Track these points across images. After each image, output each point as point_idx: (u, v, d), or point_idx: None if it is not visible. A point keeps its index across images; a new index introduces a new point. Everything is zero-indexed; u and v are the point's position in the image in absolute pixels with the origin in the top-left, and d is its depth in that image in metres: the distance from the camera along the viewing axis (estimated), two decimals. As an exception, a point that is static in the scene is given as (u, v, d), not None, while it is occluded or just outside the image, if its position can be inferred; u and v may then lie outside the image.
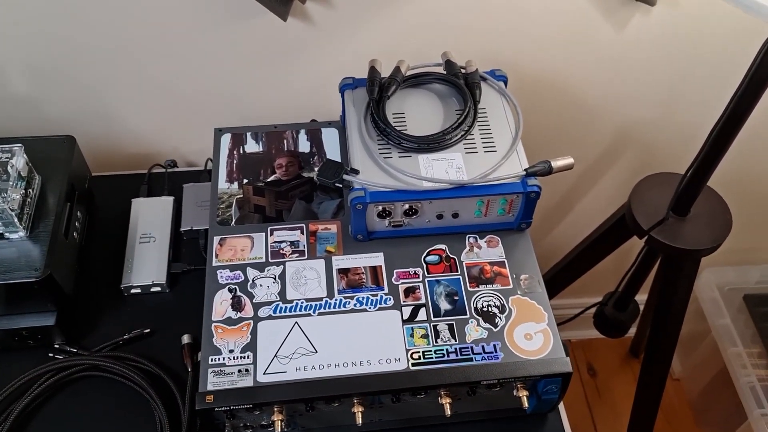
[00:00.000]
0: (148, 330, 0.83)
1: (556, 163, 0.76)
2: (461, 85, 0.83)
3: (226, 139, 0.90)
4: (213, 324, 0.72)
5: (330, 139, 0.90)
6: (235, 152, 0.88)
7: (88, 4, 0.85)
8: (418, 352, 0.70)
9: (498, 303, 0.75)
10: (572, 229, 1.29)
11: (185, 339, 0.81)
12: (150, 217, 0.92)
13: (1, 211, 0.72)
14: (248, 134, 0.90)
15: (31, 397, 0.76)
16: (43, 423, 0.76)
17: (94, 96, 0.96)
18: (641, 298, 1.17)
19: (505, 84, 0.87)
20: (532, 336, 0.72)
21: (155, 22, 0.88)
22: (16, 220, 0.73)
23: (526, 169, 0.76)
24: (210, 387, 0.67)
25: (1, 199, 0.72)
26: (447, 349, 0.71)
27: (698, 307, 1.41)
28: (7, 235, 0.75)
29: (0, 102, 0.94)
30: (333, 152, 0.88)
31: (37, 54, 0.90)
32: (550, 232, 1.33)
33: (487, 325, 0.73)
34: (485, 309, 0.74)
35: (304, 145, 0.89)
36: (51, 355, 0.80)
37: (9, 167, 0.74)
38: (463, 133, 0.79)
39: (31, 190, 0.77)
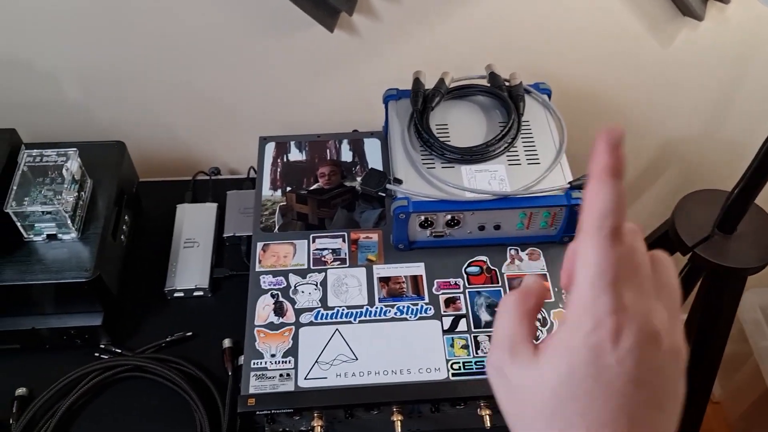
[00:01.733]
0: (190, 333, 0.84)
1: (601, 177, 0.76)
2: (505, 97, 0.83)
3: (270, 148, 0.91)
4: (255, 328, 0.73)
5: (372, 149, 0.91)
6: (279, 160, 0.90)
7: (141, 15, 0.87)
8: (458, 362, 0.70)
9: (540, 316, 0.74)
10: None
11: (226, 343, 0.82)
12: (194, 223, 0.94)
13: (56, 212, 0.74)
14: (292, 143, 0.92)
15: (77, 395, 0.77)
16: (87, 421, 0.77)
17: (144, 103, 0.99)
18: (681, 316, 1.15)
19: (549, 97, 0.87)
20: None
21: (205, 32, 0.90)
22: (69, 221, 0.75)
23: (570, 182, 0.76)
24: (252, 390, 0.68)
25: (57, 201, 0.75)
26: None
27: (740, 328, 1.38)
28: (60, 236, 0.77)
29: (55, 107, 0.97)
30: (375, 162, 0.89)
31: (91, 62, 0.93)
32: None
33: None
34: (526, 321, 0.73)
35: (346, 155, 0.90)
36: (96, 354, 0.81)
37: (64, 171, 0.77)
38: (506, 144, 0.79)
39: (83, 193, 0.80)
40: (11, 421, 0.75)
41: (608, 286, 0.31)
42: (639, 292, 0.32)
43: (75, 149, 0.79)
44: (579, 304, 0.32)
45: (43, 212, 0.74)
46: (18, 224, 0.75)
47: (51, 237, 0.77)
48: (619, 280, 0.31)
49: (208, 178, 1.01)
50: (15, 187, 0.75)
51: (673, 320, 0.32)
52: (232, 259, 0.92)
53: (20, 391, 0.78)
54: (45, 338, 0.80)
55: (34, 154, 0.78)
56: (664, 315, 0.32)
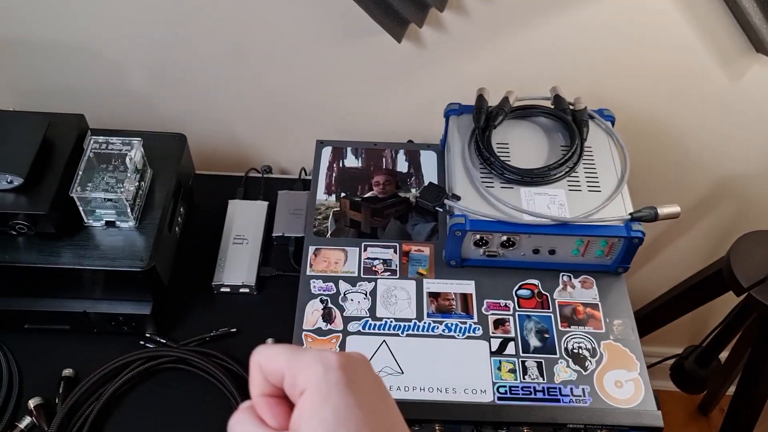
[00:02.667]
0: (234, 329, 0.85)
1: (663, 211, 0.75)
2: (569, 121, 0.83)
3: (326, 152, 0.91)
4: (303, 332, 0.73)
5: (428, 162, 0.91)
6: (334, 165, 0.90)
7: (210, 11, 0.88)
8: (505, 386, 0.70)
9: (589, 346, 0.73)
10: (656, 274, 1.25)
11: (269, 343, 0.83)
12: (244, 220, 0.94)
13: (117, 200, 0.75)
14: (348, 149, 0.92)
15: (122, 382, 0.78)
16: (129, 407, 0.78)
17: (205, 98, 1.00)
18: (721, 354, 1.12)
19: (613, 124, 0.86)
20: (623, 384, 0.70)
21: (272, 32, 0.91)
22: (129, 210, 0.77)
23: (631, 213, 0.75)
24: (297, 395, 0.68)
25: (119, 189, 0.76)
26: (535, 387, 0.70)
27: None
28: (118, 223, 0.78)
29: (120, 97, 0.99)
30: (430, 175, 0.89)
31: (157, 54, 0.94)
32: (633, 274, 1.30)
33: (577, 368, 0.71)
34: (576, 351, 0.73)
35: (402, 165, 0.90)
36: (142, 343, 0.82)
37: (127, 160, 0.78)
38: (568, 169, 0.79)
39: (143, 183, 0.81)
40: (57, 401, 0.77)
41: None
42: None
43: (139, 139, 0.80)
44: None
45: (105, 199, 0.76)
46: (80, 209, 0.76)
47: (110, 224, 0.78)
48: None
49: (260, 175, 1.02)
50: (80, 173, 0.76)
51: None
52: (279, 258, 0.92)
53: (67, 372, 0.79)
54: (94, 322, 0.81)
55: (100, 140, 0.79)
56: None
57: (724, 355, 1.20)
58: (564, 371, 0.71)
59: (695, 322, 1.17)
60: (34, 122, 0.78)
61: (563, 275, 0.79)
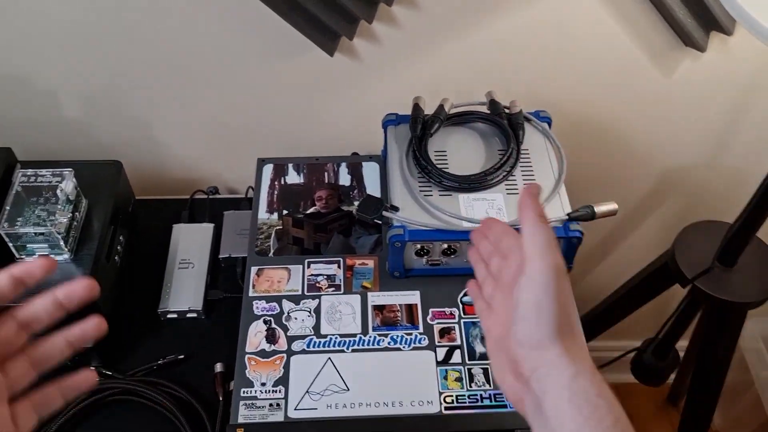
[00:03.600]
0: (182, 356, 0.83)
1: (599, 209, 0.75)
2: (504, 125, 0.83)
3: (268, 170, 0.91)
4: (246, 355, 0.72)
5: (371, 173, 0.90)
6: (276, 183, 0.89)
7: (140, 35, 0.87)
8: (452, 395, 0.69)
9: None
10: (611, 272, 1.26)
11: (218, 368, 0.81)
12: (190, 243, 0.93)
13: (49, 234, 0.74)
14: (290, 165, 0.91)
15: (66, 418, 0.76)
16: (75, 444, 0.76)
17: (142, 123, 0.99)
18: (682, 344, 1.13)
19: (549, 125, 0.86)
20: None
21: (204, 54, 0.90)
22: (62, 243, 0.75)
23: (568, 214, 0.75)
24: (241, 420, 0.67)
25: (50, 222, 0.74)
26: (481, 395, 0.69)
27: (741, 357, 1.36)
28: (52, 257, 0.76)
29: (53, 125, 0.97)
30: (373, 186, 0.89)
31: (90, 81, 0.93)
32: (588, 274, 1.31)
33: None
34: (521, 354, 0.72)
35: (344, 179, 0.90)
36: (86, 376, 0.80)
37: (59, 191, 0.76)
38: (505, 173, 0.79)
39: (77, 213, 0.79)
40: (-3, 443, 0.74)
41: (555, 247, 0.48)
42: None
43: (70, 169, 0.78)
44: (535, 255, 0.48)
45: (35, 233, 0.74)
46: (10, 245, 0.75)
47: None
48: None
49: (206, 197, 1.01)
50: (8, 208, 0.75)
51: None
52: (227, 280, 0.91)
53: (8, 412, 0.77)
54: (35, 359, 0.79)
55: (29, 173, 0.78)
56: None
57: (685, 344, 1.21)
58: (510, 376, 0.71)
59: (654, 314, 1.17)
60: (-42, 158, 0.76)
61: (507, 279, 0.79)
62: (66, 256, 0.76)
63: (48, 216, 0.75)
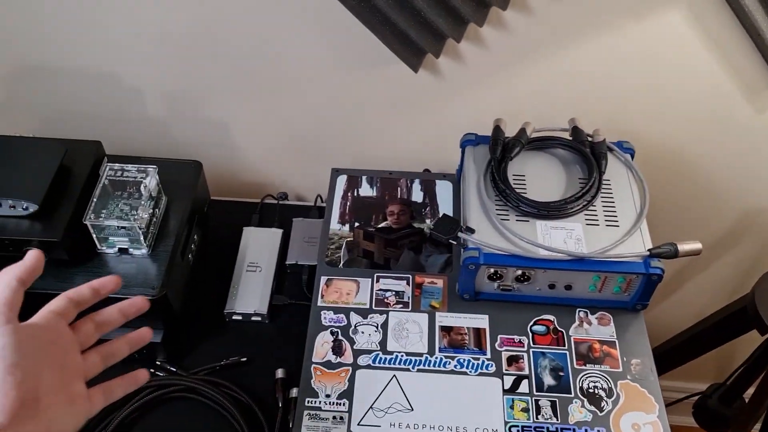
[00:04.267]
0: (244, 359, 0.84)
1: (683, 247, 0.73)
2: (587, 153, 0.81)
3: (341, 180, 0.91)
4: (313, 365, 0.72)
5: (443, 192, 0.90)
6: (349, 194, 0.89)
7: (225, 40, 0.89)
8: (518, 426, 0.68)
9: (605, 386, 0.71)
10: (677, 309, 1.22)
11: (279, 373, 0.82)
12: (258, 247, 0.94)
13: (131, 228, 0.76)
14: (363, 178, 0.91)
15: (130, 410, 0.78)
16: (137, 436, 0.78)
17: (222, 125, 1.01)
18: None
19: (632, 157, 0.84)
20: (641, 427, 0.68)
21: (290, 61, 0.91)
22: (142, 238, 0.77)
23: (650, 250, 0.73)
24: (304, 430, 0.67)
25: (133, 217, 0.76)
26: (548, 427, 0.68)
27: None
28: (131, 250, 0.78)
29: (137, 122, 1.00)
30: (446, 205, 0.88)
31: (175, 82, 0.95)
32: (652, 309, 1.27)
33: (593, 408, 0.69)
34: (591, 390, 0.71)
35: (417, 195, 0.89)
36: (152, 371, 0.82)
37: (142, 187, 0.78)
38: (585, 203, 0.77)
39: (157, 210, 0.81)
40: (65, 429, 0.76)
41: None
42: None
43: (155, 167, 0.80)
44: None
45: (118, 227, 0.76)
46: (94, 236, 0.77)
47: (123, 251, 0.78)
48: None
49: (275, 202, 1.02)
50: (95, 200, 0.77)
51: None
52: (292, 287, 0.92)
53: (76, 399, 0.79)
54: (105, 349, 0.80)
55: (116, 167, 0.80)
56: None
57: (749, 392, 1.16)
58: (579, 412, 0.69)
59: (720, 358, 1.13)
60: (51, 149, 0.79)
61: (579, 311, 0.77)
62: (144, 251, 0.78)
63: (131, 210, 0.77)
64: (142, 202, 0.78)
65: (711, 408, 1.06)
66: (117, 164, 0.80)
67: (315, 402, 0.69)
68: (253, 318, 0.88)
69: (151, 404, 0.79)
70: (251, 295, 0.89)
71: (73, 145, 0.81)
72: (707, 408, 1.06)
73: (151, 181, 0.79)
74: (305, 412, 0.68)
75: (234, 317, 0.88)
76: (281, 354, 0.84)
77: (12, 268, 0.50)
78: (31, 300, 0.75)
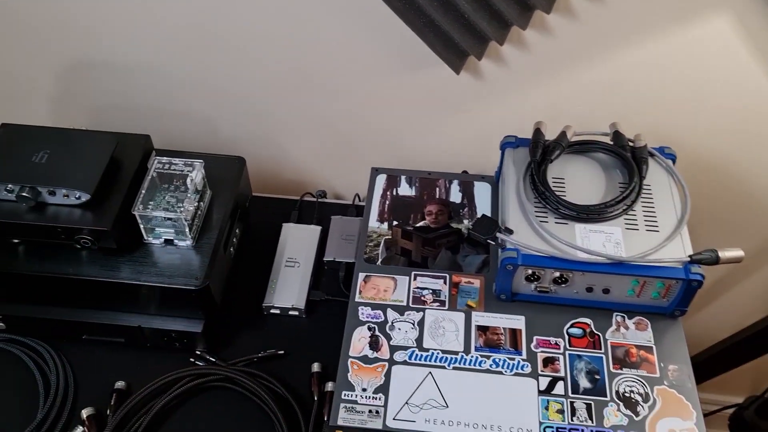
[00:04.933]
0: (282, 351, 0.85)
1: (724, 254, 0.72)
2: (628, 158, 0.81)
3: (381, 179, 0.92)
4: (350, 359, 0.73)
5: (482, 194, 0.90)
6: (388, 193, 0.91)
7: (273, 39, 0.91)
8: (552, 427, 0.68)
9: (642, 390, 0.71)
10: (715, 318, 1.20)
11: (315, 367, 0.83)
12: (297, 243, 0.96)
13: (177, 220, 0.78)
14: (403, 177, 0.92)
15: (171, 397, 0.80)
16: (176, 422, 0.80)
17: (266, 122, 1.03)
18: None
19: (674, 162, 0.84)
20: (676, 434, 0.68)
21: (332, 60, 0.93)
22: (187, 229, 0.79)
23: (690, 256, 0.73)
24: (341, 422, 0.68)
25: (179, 209, 0.78)
26: (583, 430, 0.68)
27: None
28: (176, 242, 0.80)
29: (183, 117, 1.03)
30: (484, 207, 0.89)
31: (220, 79, 0.97)
32: (690, 317, 1.25)
33: (628, 412, 0.69)
34: (627, 394, 0.71)
35: (455, 196, 0.90)
36: (192, 360, 0.84)
37: (188, 181, 0.80)
38: (625, 207, 0.77)
39: (202, 203, 0.83)
40: (108, 413, 0.79)
41: None
42: None
43: (201, 161, 0.83)
44: None
45: (165, 218, 0.78)
46: (141, 227, 0.79)
47: (168, 242, 0.81)
48: None
49: (314, 199, 1.04)
50: (143, 192, 0.79)
51: None
52: (329, 283, 0.93)
53: (119, 384, 0.81)
54: (148, 337, 0.83)
55: (163, 161, 0.82)
56: None
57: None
58: (614, 415, 0.69)
59: (757, 370, 1.12)
60: (103, 141, 0.82)
61: (617, 315, 0.77)
62: (189, 242, 0.80)
63: (177, 203, 0.79)
64: (188, 195, 0.80)
65: (747, 420, 1.04)
66: (165, 158, 0.83)
67: (351, 395, 0.70)
68: (291, 312, 0.89)
69: (190, 393, 0.82)
70: (289, 290, 0.90)
71: (123, 139, 0.83)
72: (743, 420, 1.05)
73: (197, 175, 0.81)
74: (341, 405, 0.70)
75: (272, 311, 0.89)
76: (317, 348, 0.85)
77: None
78: (83, 287, 0.78)
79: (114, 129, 0.86)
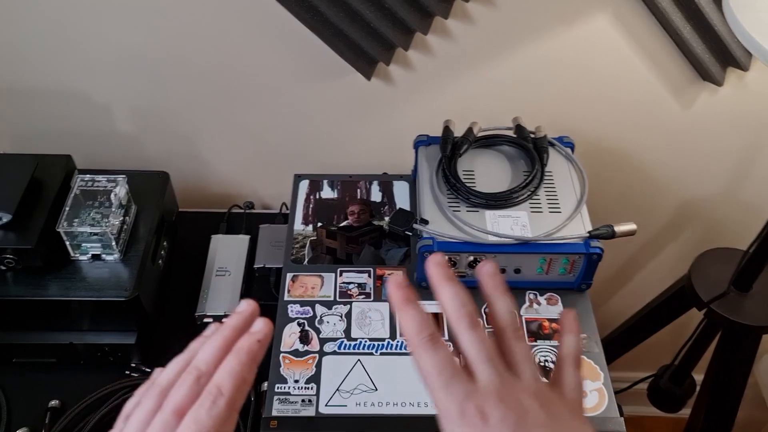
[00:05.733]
0: (217, 357, 0.87)
1: (619, 228, 0.79)
2: (530, 148, 0.88)
3: (304, 185, 0.96)
4: (281, 354, 0.76)
5: (401, 192, 0.95)
6: (311, 197, 0.94)
7: (186, 57, 0.94)
8: (475, 398, 0.73)
9: (554, 359, 0.76)
10: (631, 298, 1.29)
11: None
12: (227, 253, 0.98)
13: (103, 234, 0.79)
14: (325, 181, 0.96)
15: (107, 410, 0.80)
16: (114, 435, 0.80)
17: (189, 138, 1.05)
18: (698, 378, 1.15)
19: (572, 150, 0.91)
20: (587, 393, 0.73)
21: (250, 74, 0.96)
22: (113, 243, 0.80)
23: (589, 232, 0.79)
24: (275, 413, 0.71)
25: (104, 224, 0.80)
26: (503, 399, 0.73)
27: (758, 393, 1.37)
28: (103, 256, 0.82)
29: (107, 137, 1.04)
30: (403, 204, 0.94)
31: (141, 98, 0.99)
32: (608, 300, 1.34)
33: (544, 379, 0.74)
34: (542, 364, 0.76)
35: (376, 195, 0.95)
36: (127, 372, 0.85)
37: (112, 196, 0.82)
38: (529, 192, 0.83)
39: (128, 218, 0.85)
40: None
41: (451, 380, 0.38)
42: (488, 372, 0.39)
43: (124, 176, 0.84)
44: (439, 405, 0.39)
45: (90, 233, 0.79)
46: (67, 243, 0.80)
47: (95, 257, 0.82)
48: (456, 373, 0.39)
49: (242, 211, 1.06)
50: (67, 209, 0.80)
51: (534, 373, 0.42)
52: (260, 289, 0.96)
53: (53, 402, 0.81)
54: (81, 353, 0.84)
55: (86, 178, 0.84)
56: (528, 376, 0.41)
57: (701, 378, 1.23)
58: (531, 383, 0.74)
59: (670, 346, 1.20)
60: (22, 163, 0.83)
61: (529, 293, 0.83)
62: (116, 256, 0.82)
63: (102, 218, 0.81)
64: (113, 210, 0.82)
65: (663, 388, 1.12)
66: (87, 175, 0.84)
67: (284, 387, 0.73)
68: (224, 320, 0.91)
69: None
70: (221, 298, 0.92)
71: (44, 160, 0.84)
72: (660, 388, 1.13)
73: (120, 190, 0.83)
74: (275, 397, 0.72)
75: (205, 320, 0.91)
76: (252, 352, 0.87)
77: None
78: (10, 307, 0.79)
79: (35, 153, 0.87)
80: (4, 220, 0.77)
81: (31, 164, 0.83)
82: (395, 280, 0.43)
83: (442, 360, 0.39)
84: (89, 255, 0.82)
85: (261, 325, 0.47)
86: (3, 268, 0.78)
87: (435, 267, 0.44)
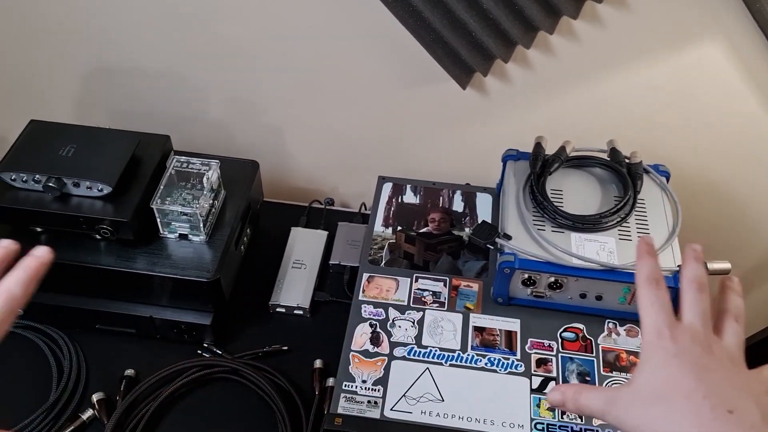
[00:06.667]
0: (285, 347, 0.89)
1: (713, 266, 0.76)
2: (623, 172, 0.85)
3: (387, 187, 0.96)
4: (351, 353, 0.77)
5: (483, 204, 0.94)
6: (393, 200, 0.95)
7: (287, 53, 0.96)
8: (543, 423, 0.71)
9: (630, 393, 0.74)
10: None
11: (317, 363, 0.86)
12: (304, 246, 0.99)
13: (192, 215, 0.82)
14: (408, 186, 0.96)
15: (178, 386, 0.83)
16: (182, 411, 0.83)
17: (277, 130, 1.07)
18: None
19: (668, 180, 0.88)
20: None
21: (345, 74, 0.98)
22: (201, 225, 0.83)
23: (679, 266, 0.76)
24: (340, 410, 0.71)
25: (194, 205, 0.82)
26: (572, 427, 0.71)
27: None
28: (190, 236, 0.84)
29: (202, 124, 1.07)
30: (485, 217, 0.92)
31: (238, 87, 1.02)
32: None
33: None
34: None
35: (458, 205, 0.94)
36: (200, 352, 0.87)
37: (204, 179, 0.85)
38: (620, 219, 0.81)
39: (216, 202, 0.87)
40: (117, 398, 0.82)
41: (661, 310, 0.48)
42: (694, 319, 0.48)
43: (217, 161, 0.87)
44: (643, 324, 0.49)
45: (181, 213, 0.82)
46: (158, 220, 0.83)
47: (182, 236, 0.85)
48: (666, 308, 0.48)
49: (322, 207, 1.08)
50: (162, 187, 0.83)
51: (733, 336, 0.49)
52: (333, 285, 0.97)
53: (129, 372, 0.85)
54: (158, 328, 0.87)
55: (182, 160, 0.87)
56: (727, 341, 0.48)
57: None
58: (603, 415, 0.72)
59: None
60: (125, 139, 0.86)
61: (609, 322, 0.80)
62: (202, 237, 0.84)
63: (193, 199, 0.83)
64: (204, 193, 0.84)
65: None
66: (183, 157, 0.87)
67: (351, 386, 0.74)
68: (296, 311, 0.93)
69: (196, 383, 0.85)
70: (295, 289, 0.94)
71: (145, 138, 0.88)
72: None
73: (213, 174, 0.85)
74: (342, 395, 0.73)
75: (278, 309, 0.93)
76: (320, 346, 0.88)
77: None
78: (99, 276, 0.82)
79: (133, 130, 0.91)
80: (105, 191, 0.81)
81: (133, 141, 0.86)
82: (647, 238, 0.54)
83: (660, 298, 0.49)
84: (177, 234, 0.85)
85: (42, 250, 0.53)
86: (98, 237, 0.82)
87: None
